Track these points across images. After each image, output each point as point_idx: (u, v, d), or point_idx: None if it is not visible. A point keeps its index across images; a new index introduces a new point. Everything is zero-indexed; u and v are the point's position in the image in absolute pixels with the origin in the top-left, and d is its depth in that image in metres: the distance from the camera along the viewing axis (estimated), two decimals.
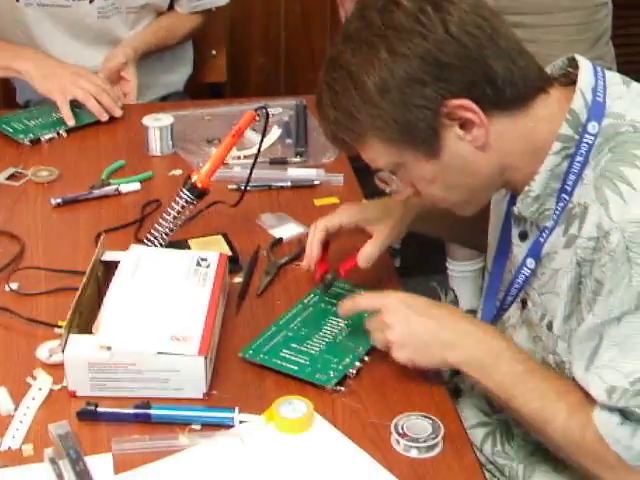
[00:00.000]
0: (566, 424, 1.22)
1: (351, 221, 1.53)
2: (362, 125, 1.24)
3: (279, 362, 1.39)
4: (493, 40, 1.21)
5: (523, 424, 1.32)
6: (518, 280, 1.34)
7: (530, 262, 1.31)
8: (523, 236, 1.33)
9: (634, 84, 1.28)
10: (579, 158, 1.22)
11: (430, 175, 1.27)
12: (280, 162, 1.94)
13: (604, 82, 1.25)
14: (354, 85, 1.22)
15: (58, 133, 2.04)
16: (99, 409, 1.29)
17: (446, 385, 1.40)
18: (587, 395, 1.21)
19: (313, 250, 1.52)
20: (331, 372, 1.36)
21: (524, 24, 2.17)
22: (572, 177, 1.23)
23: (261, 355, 1.40)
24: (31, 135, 2.03)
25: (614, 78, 1.27)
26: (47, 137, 2.03)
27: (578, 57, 1.29)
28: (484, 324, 1.37)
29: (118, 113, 2.07)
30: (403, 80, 1.20)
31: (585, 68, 1.26)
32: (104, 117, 2.04)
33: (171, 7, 2.39)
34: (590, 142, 1.22)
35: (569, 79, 1.28)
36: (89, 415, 1.29)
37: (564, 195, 1.24)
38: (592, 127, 1.22)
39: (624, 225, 1.14)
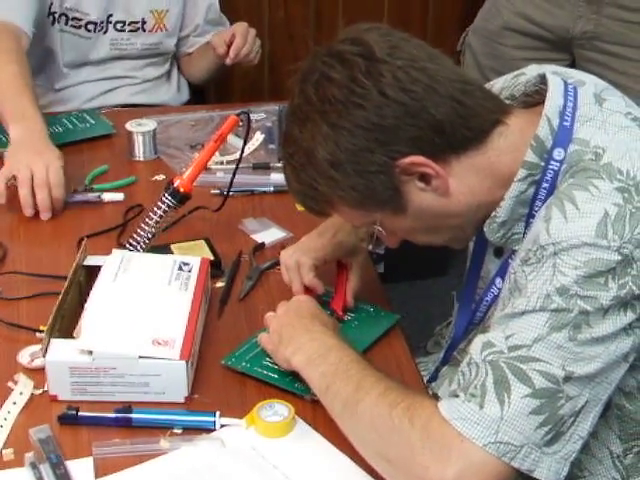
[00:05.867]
0: (376, 400, 1.19)
1: (332, 259, 1.53)
2: (325, 195, 1.25)
3: (260, 370, 1.39)
4: (432, 89, 1.18)
5: (336, 415, 1.25)
6: (487, 298, 1.35)
7: (498, 282, 1.31)
8: (498, 253, 1.33)
9: (607, 102, 1.24)
10: (545, 185, 1.21)
11: (406, 226, 1.28)
12: (263, 167, 1.95)
13: (574, 102, 1.23)
14: (308, 160, 1.23)
15: None
16: (80, 413, 1.29)
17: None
18: (426, 399, 1.19)
19: (299, 290, 1.51)
20: None
21: (617, 54, 2.17)
22: (538, 203, 1.21)
23: (243, 363, 1.40)
24: None
25: (586, 97, 1.24)
26: None
27: (548, 75, 1.26)
28: (333, 332, 1.35)
29: (45, 216, 1.79)
30: (350, 152, 1.19)
31: (554, 88, 1.24)
32: (28, 212, 1.79)
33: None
34: (556, 168, 1.20)
35: (541, 96, 1.25)
36: (70, 419, 1.29)
37: (532, 220, 1.23)
38: (558, 153, 1.20)
39: (559, 240, 1.13)
